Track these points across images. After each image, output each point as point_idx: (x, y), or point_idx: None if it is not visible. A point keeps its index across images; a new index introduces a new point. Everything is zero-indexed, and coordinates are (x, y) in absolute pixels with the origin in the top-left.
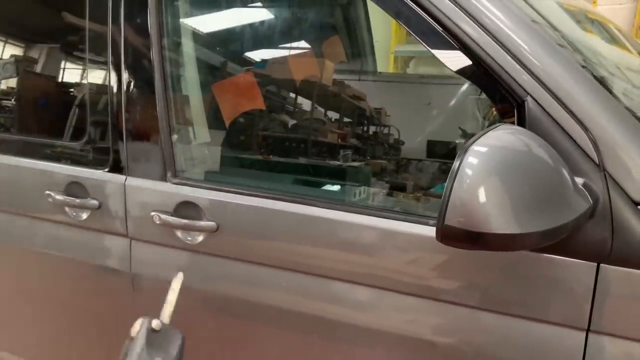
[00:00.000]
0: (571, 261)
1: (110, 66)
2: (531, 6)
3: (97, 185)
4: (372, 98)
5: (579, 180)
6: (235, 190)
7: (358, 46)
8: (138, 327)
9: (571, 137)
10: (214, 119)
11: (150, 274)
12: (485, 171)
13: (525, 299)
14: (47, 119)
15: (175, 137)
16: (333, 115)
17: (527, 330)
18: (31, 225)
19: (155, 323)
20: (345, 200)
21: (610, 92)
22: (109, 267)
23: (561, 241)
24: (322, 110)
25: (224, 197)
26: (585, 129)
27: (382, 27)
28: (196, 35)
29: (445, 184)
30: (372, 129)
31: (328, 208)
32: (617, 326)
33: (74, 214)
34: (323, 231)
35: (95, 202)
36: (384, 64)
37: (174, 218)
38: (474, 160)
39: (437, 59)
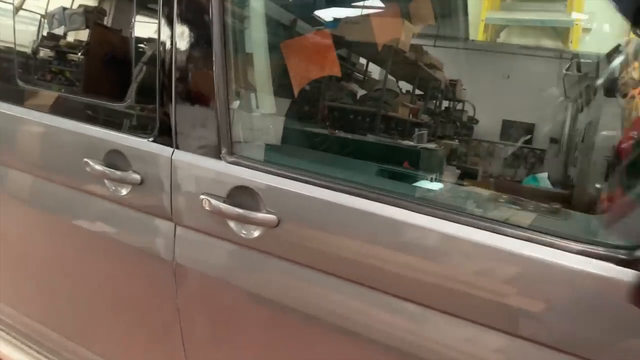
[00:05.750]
0: None
1: (161, 17)
2: None
3: (140, 156)
4: (469, 69)
5: None
6: (305, 177)
7: (449, 9)
8: None
9: None
10: (282, 85)
11: (196, 266)
12: None
13: None
14: (87, 75)
15: (234, 105)
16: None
17: None
18: (67, 195)
19: None
20: (455, 207)
21: None
22: (149, 252)
23: None
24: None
25: (289, 185)
26: None
27: None
28: None
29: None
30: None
31: (427, 214)
32: None
33: (113, 188)
34: (419, 243)
35: (137, 177)
36: (473, 31)
37: (227, 205)
38: None
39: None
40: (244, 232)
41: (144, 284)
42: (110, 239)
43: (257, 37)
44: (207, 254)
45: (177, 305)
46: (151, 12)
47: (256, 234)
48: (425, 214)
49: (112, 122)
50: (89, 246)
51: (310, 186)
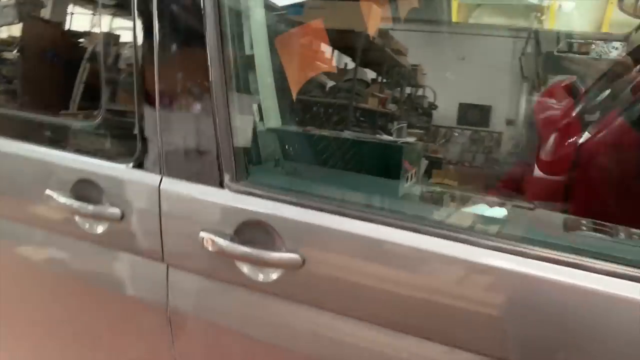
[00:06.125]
0: None
1: (135, 6)
2: None
3: (118, 186)
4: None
5: None
6: (335, 208)
7: None
8: None
9: None
10: (303, 91)
11: (197, 314)
12: None
13: None
14: (45, 85)
15: (238, 119)
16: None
17: None
18: (31, 235)
19: None
20: (530, 239)
21: None
22: (135, 299)
23: None
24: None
25: (314, 217)
26: None
27: None
28: None
29: None
30: None
31: (495, 249)
32: None
33: (87, 225)
34: (493, 287)
35: (115, 211)
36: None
37: (236, 245)
38: None
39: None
40: (261, 275)
41: (132, 335)
42: (85, 284)
43: (260, 30)
44: (211, 300)
45: (174, 356)
46: (123, 9)
47: (274, 276)
48: (493, 249)
49: (79, 143)
50: (58, 293)
51: (342, 218)
